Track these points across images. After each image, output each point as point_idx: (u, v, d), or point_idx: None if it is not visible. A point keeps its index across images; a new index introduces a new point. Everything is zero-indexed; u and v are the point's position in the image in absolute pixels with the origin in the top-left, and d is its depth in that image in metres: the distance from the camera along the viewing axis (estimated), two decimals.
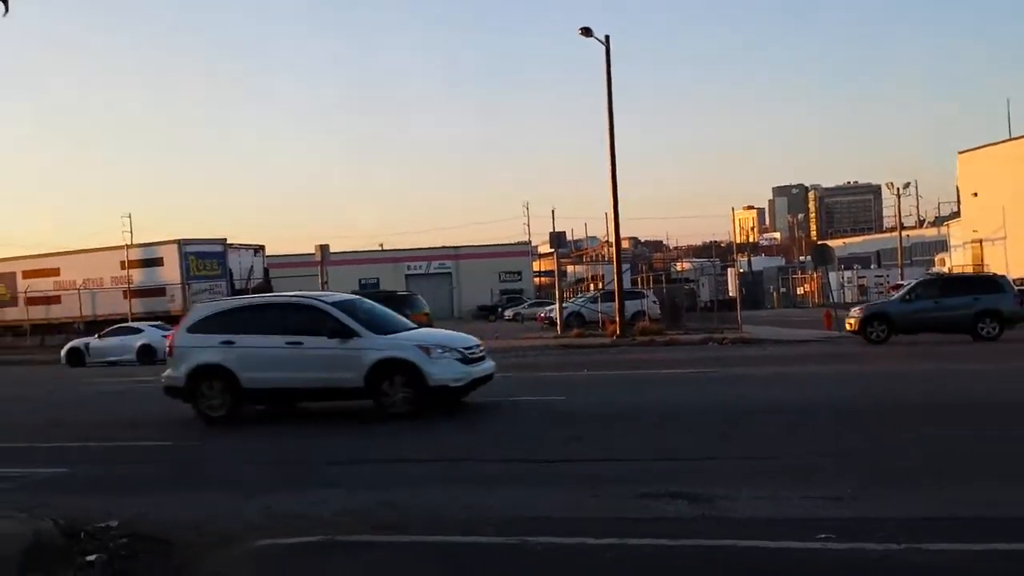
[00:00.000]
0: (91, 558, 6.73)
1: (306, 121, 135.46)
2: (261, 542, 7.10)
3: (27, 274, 47.15)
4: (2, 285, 47.95)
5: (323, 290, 44.32)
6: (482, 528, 7.13)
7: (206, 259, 44.72)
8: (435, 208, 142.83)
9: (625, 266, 57.97)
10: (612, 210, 35.66)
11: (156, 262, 44.45)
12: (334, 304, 14.16)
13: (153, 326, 35.17)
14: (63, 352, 35.12)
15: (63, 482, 10.06)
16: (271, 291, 50.08)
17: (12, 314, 46.99)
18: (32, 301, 46.08)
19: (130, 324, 36.59)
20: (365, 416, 13.49)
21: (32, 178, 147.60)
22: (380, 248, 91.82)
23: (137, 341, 33.85)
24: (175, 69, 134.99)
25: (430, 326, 21.20)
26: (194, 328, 14.60)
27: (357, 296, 17.04)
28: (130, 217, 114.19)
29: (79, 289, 44.94)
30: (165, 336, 32.46)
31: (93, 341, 34.87)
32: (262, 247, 50.04)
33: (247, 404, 14.37)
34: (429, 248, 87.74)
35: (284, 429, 13.50)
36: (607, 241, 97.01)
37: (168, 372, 14.82)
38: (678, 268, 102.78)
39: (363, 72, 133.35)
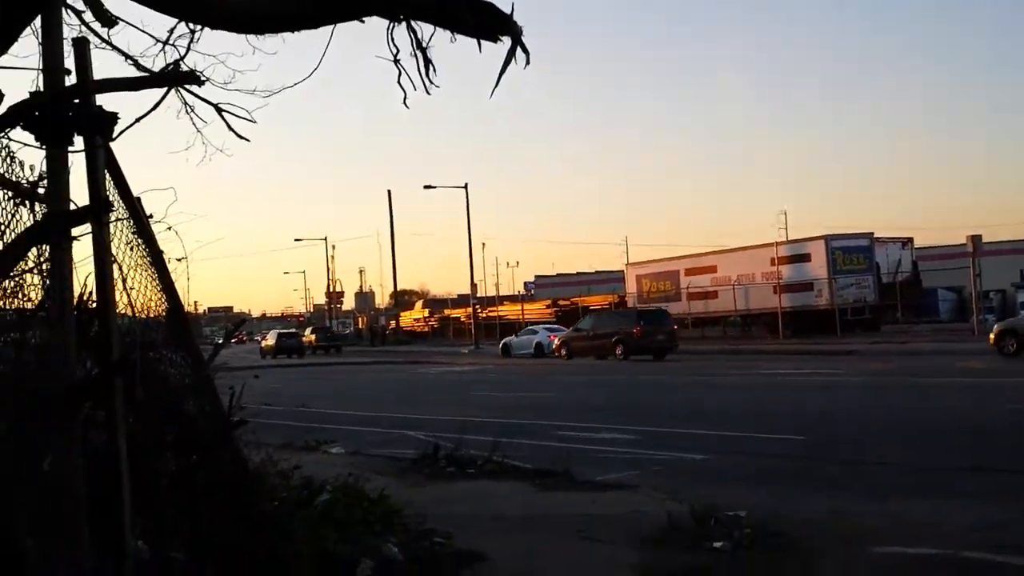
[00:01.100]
0: (717, 544, 7.26)
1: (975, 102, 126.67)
2: (881, 549, 6.99)
3: (688, 271, 51.55)
4: (668, 281, 53.03)
5: (975, 282, 41.17)
6: None
7: (852, 254, 44.46)
8: None
9: None
10: None
11: (803, 258, 45.42)
12: None
13: (545, 328, 46.17)
14: (500, 345, 46.81)
15: (701, 468, 10.92)
16: (920, 285, 47.98)
17: (676, 308, 51.58)
18: (693, 296, 50.17)
19: (532, 327, 47.79)
20: None
21: (689, 177, 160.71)
22: None
23: (534, 340, 43.93)
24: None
25: None
26: None
27: None
28: (785, 214, 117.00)
29: (733, 285, 47.77)
30: (550, 336, 42.89)
31: (512, 339, 46.11)
32: (910, 240, 48.17)
33: None
34: None
35: (922, 430, 12.98)
36: None
37: None
38: None
39: None
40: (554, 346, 40.78)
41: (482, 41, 4.35)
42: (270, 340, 60.64)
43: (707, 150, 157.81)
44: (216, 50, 7.62)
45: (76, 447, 3.47)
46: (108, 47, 5.99)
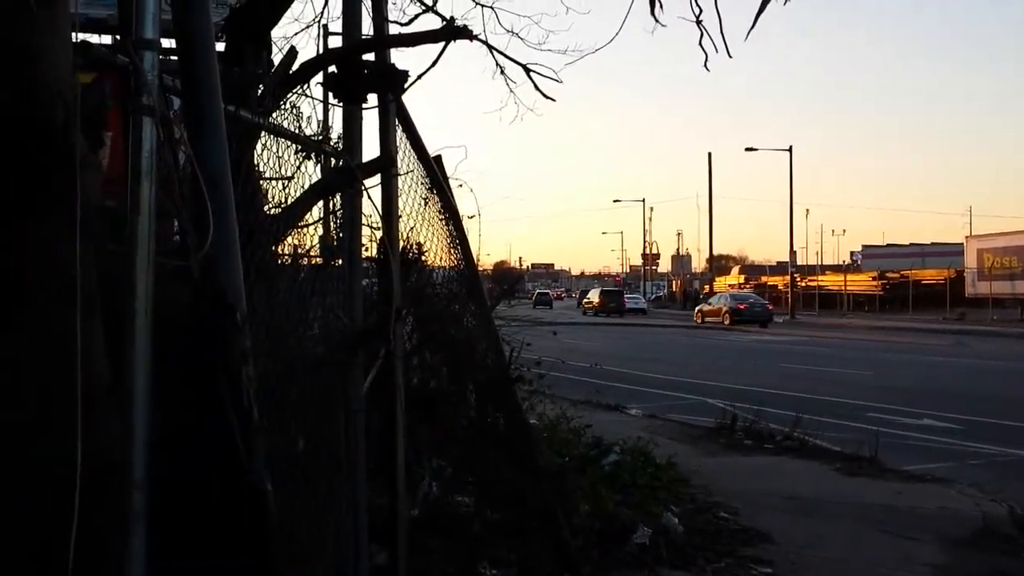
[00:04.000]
0: None
1: None
2: None
3: None
4: (1014, 257, 47.59)
5: None
6: None
7: None
8: None
9: None
10: None
11: None
12: None
13: None
14: None
15: None
16: None
17: (1022, 287, 46.64)
18: None
19: None
20: None
21: None
22: None
23: None
24: None
25: None
26: None
27: None
28: None
29: None
30: None
31: None
32: None
33: None
34: None
35: None
36: None
37: None
38: None
39: None
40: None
41: None
42: (534, 296, 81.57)
43: None
44: (530, 11, 7.80)
45: (359, 388, 3.67)
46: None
